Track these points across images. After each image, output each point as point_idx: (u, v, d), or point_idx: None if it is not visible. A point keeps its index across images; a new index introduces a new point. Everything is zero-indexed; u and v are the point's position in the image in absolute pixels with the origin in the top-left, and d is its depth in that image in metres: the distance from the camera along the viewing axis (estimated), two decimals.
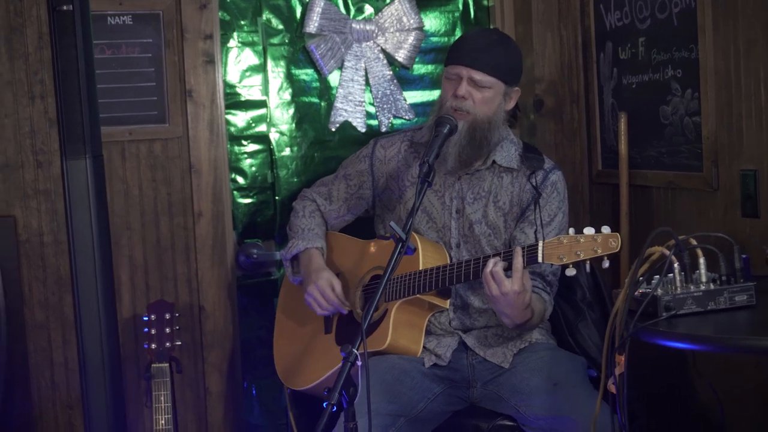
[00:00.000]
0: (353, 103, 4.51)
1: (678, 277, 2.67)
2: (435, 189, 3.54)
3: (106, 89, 4.09)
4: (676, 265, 2.67)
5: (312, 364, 3.58)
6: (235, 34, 4.41)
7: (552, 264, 3.10)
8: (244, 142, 4.45)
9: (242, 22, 4.43)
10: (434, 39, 4.64)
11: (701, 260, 2.69)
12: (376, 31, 4.52)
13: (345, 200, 3.70)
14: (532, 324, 3.30)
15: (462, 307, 3.49)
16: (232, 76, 4.41)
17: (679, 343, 2.59)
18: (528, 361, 3.39)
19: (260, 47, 4.45)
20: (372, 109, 4.55)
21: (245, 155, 4.45)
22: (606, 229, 3.07)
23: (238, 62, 4.42)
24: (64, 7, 3.13)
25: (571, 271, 3.06)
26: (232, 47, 4.39)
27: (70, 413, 4.12)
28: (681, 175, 3.97)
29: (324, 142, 4.51)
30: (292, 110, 4.50)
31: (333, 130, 4.51)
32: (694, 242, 2.72)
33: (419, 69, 4.62)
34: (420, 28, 4.55)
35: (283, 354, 3.73)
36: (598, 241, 3.05)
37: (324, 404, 2.58)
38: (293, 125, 4.50)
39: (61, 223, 4.08)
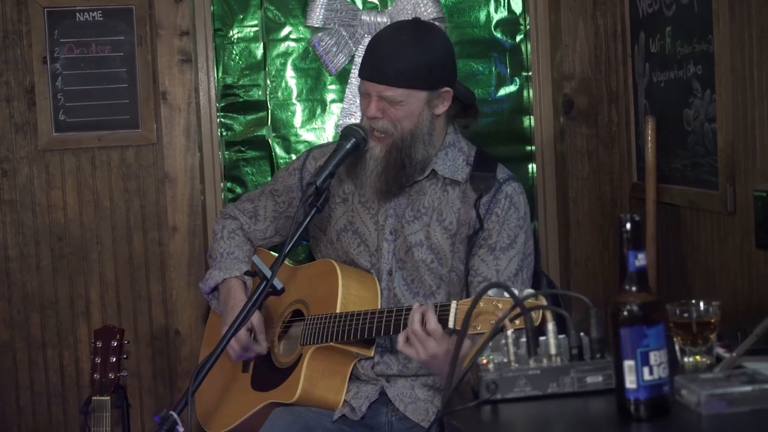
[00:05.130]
0: None
1: (512, 349, 2.04)
2: (367, 206, 3.02)
3: (74, 91, 3.80)
4: (509, 332, 2.04)
5: (227, 406, 3.15)
6: (232, 29, 3.99)
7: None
8: (242, 148, 4.04)
9: (240, 16, 4.01)
10: (462, 30, 4.07)
11: (549, 326, 2.05)
12: (389, 23, 3.97)
13: (273, 219, 3.20)
14: None
15: (390, 350, 2.95)
16: (229, 76, 4.00)
17: None
18: None
19: (260, 43, 4.01)
20: None
21: (243, 162, 4.03)
22: (527, 293, 2.46)
23: (236, 60, 4.00)
24: None
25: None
26: (228, 44, 3.98)
27: None
28: (701, 194, 3.27)
29: None
30: (295, 112, 4.04)
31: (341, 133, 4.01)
32: (542, 301, 2.08)
33: None
34: (440, 19, 3.97)
35: (203, 393, 3.30)
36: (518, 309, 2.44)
37: None
38: (296, 129, 4.04)
39: (28, 236, 3.82)
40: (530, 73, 4.06)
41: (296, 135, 4.05)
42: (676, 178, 3.43)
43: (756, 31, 2.90)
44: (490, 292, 2.48)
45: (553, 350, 2.04)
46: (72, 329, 3.86)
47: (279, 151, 4.04)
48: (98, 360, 3.49)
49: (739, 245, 3.06)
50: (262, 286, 2.59)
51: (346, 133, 2.84)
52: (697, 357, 2.16)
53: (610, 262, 3.91)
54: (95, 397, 3.45)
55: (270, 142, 4.04)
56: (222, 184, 4.00)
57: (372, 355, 2.90)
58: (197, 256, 3.85)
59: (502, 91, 4.10)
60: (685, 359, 2.17)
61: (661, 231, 3.54)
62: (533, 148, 4.09)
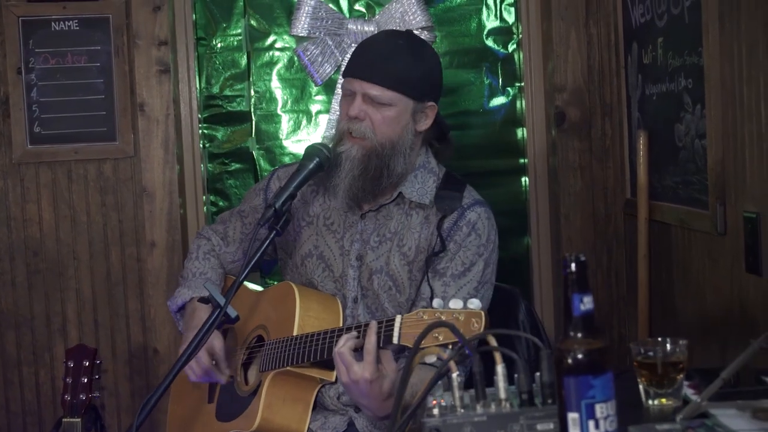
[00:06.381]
0: None
1: (457, 393, 1.89)
2: (333, 229, 2.87)
3: (49, 103, 3.71)
4: (455, 375, 1.90)
5: None
6: (215, 38, 3.87)
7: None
8: (226, 161, 3.92)
9: (223, 24, 3.89)
10: (454, 39, 3.94)
11: (499, 368, 1.90)
12: (376, 32, 3.83)
13: (240, 242, 3.06)
14: None
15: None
16: (212, 86, 3.88)
17: None
18: None
19: (244, 52, 3.89)
20: None
21: (226, 175, 3.91)
22: (473, 304, 2.33)
23: (219, 70, 3.89)
24: None
25: (430, 358, 2.32)
26: (211, 53, 3.86)
27: None
28: (692, 213, 3.12)
29: None
30: (279, 123, 3.92)
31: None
32: (492, 342, 1.93)
33: None
34: (429, 28, 3.83)
35: (172, 420, 3.18)
36: (460, 319, 2.32)
37: None
38: (281, 141, 3.91)
39: (3, 251, 3.73)
40: (523, 84, 3.91)
41: (281, 147, 3.94)
42: (667, 196, 3.28)
43: (745, 45, 2.75)
44: (435, 302, 2.36)
45: (502, 395, 1.90)
46: (48, 347, 3.76)
47: (263, 163, 3.92)
48: (69, 380, 3.39)
49: (729, 268, 2.91)
50: (215, 315, 2.46)
51: (309, 152, 2.70)
52: (663, 400, 2.02)
53: (603, 281, 3.77)
54: (66, 419, 3.35)
55: (254, 154, 3.92)
56: (204, 197, 3.88)
57: (334, 379, 2.75)
58: (176, 272, 3.72)
59: (494, 102, 3.95)
60: (650, 402, 2.02)
61: (653, 250, 3.39)
62: (527, 161, 3.95)
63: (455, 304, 2.36)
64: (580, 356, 1.66)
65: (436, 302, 2.38)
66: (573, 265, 1.68)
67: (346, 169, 2.72)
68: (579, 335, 1.68)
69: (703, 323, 3.11)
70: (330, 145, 2.76)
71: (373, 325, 2.48)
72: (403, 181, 2.79)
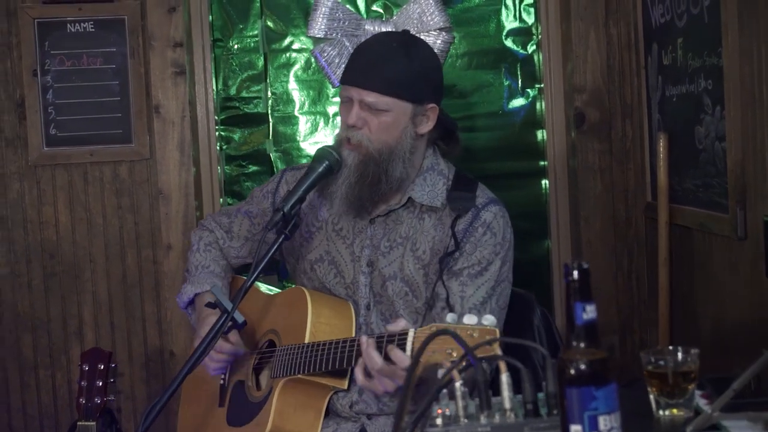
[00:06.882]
0: None
1: (461, 402, 1.85)
2: (342, 235, 2.83)
3: (65, 105, 3.69)
4: (458, 384, 1.85)
5: None
6: (231, 40, 3.85)
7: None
8: (243, 163, 3.89)
9: (240, 26, 3.86)
10: (472, 40, 3.89)
11: (504, 377, 1.86)
12: None
13: (246, 239, 3.02)
14: None
15: None
16: (228, 88, 3.86)
17: None
18: None
19: (261, 54, 3.86)
20: None
21: (243, 177, 3.89)
22: (488, 320, 2.27)
23: (235, 72, 3.86)
24: None
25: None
26: (228, 54, 3.84)
27: None
28: (712, 217, 3.06)
29: None
30: (296, 125, 3.89)
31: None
32: (497, 351, 1.90)
33: (450, 76, 3.87)
34: (447, 29, 3.77)
35: (183, 423, 3.15)
36: (474, 336, 2.26)
37: None
38: (298, 143, 3.88)
39: (20, 253, 3.71)
40: (542, 85, 3.86)
41: (298, 149, 3.91)
42: (688, 199, 3.23)
43: (765, 46, 2.69)
44: (449, 317, 2.30)
45: (507, 404, 1.85)
46: (65, 349, 3.75)
47: (281, 165, 3.89)
48: (84, 383, 3.38)
49: (749, 273, 2.86)
50: (222, 320, 2.43)
51: (319, 155, 2.67)
52: (674, 410, 1.97)
53: (624, 285, 3.71)
54: (80, 422, 3.34)
55: (271, 156, 3.90)
56: (221, 199, 3.86)
57: (346, 387, 2.71)
58: None
59: (513, 104, 3.91)
60: (660, 412, 1.98)
61: (674, 254, 3.34)
62: (546, 163, 3.89)
63: (470, 319, 2.30)
64: (582, 367, 1.62)
65: (449, 317, 2.32)
66: (575, 273, 1.63)
67: (343, 176, 2.69)
68: (582, 345, 1.64)
69: (722, 329, 3.06)
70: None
71: (372, 342, 2.43)
72: (411, 184, 2.75)
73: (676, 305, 3.36)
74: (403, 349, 2.38)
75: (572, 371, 1.62)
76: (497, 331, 2.27)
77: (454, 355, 2.27)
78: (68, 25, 3.67)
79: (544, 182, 3.92)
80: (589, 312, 1.63)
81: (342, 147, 2.68)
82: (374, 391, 2.48)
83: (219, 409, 2.98)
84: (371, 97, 2.64)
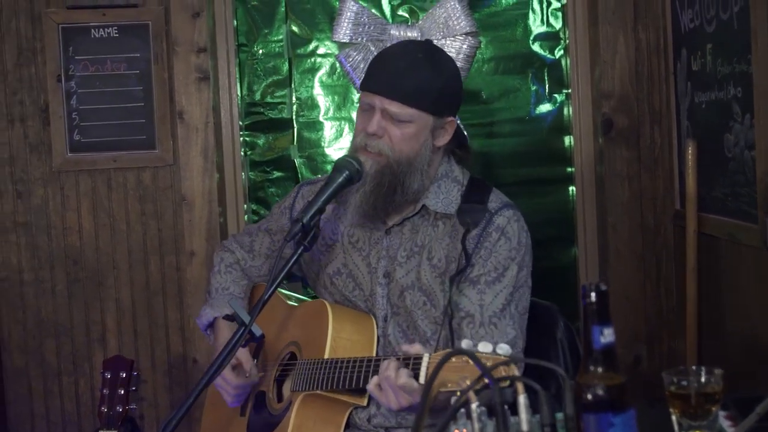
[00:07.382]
0: None
1: (476, 425, 1.81)
2: (358, 247, 2.80)
3: (89, 110, 3.67)
4: (474, 405, 1.81)
5: None
6: (256, 45, 3.83)
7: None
8: (267, 168, 3.87)
9: (265, 30, 3.83)
10: (499, 45, 3.85)
11: (521, 399, 1.82)
12: (420, 37, 3.75)
13: (267, 257, 2.99)
14: None
15: None
16: (253, 93, 3.83)
17: None
18: None
19: (286, 59, 3.83)
20: None
21: (267, 183, 3.86)
22: (502, 349, 2.20)
23: (260, 77, 3.83)
24: None
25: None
26: (252, 60, 3.81)
27: None
28: (741, 227, 3.00)
29: None
30: (321, 131, 3.86)
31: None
32: (514, 372, 1.85)
33: (476, 81, 3.83)
34: (474, 33, 3.73)
35: (205, 429, 3.13)
36: (488, 365, 2.21)
37: None
38: (323, 148, 3.85)
39: (44, 259, 3.70)
40: (570, 91, 3.81)
41: (323, 155, 3.87)
42: (716, 208, 3.17)
43: None
44: (465, 343, 2.25)
45: (524, 427, 1.81)
46: (88, 356, 3.74)
47: (305, 171, 3.86)
48: (106, 391, 3.36)
49: None
50: (240, 333, 2.40)
51: (339, 165, 2.63)
52: None
53: (652, 293, 3.66)
54: (102, 431, 3.33)
55: (296, 162, 3.87)
56: (245, 205, 3.83)
57: (366, 404, 2.68)
58: None
59: (541, 109, 3.86)
60: None
61: (702, 264, 3.28)
62: (574, 169, 3.84)
63: (485, 347, 2.25)
64: (600, 392, 1.58)
65: (464, 343, 2.27)
66: (593, 295, 1.59)
67: (358, 185, 2.65)
68: (599, 369, 1.59)
69: (750, 343, 3.00)
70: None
71: (397, 362, 2.39)
72: (426, 192, 2.71)
73: (704, 316, 3.30)
74: (418, 373, 2.35)
75: (589, 397, 1.58)
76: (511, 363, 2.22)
77: (468, 382, 2.23)
78: (92, 30, 3.66)
79: (571, 189, 3.87)
80: (607, 335, 1.59)
81: (359, 154, 2.64)
82: (387, 406, 2.45)
83: (240, 418, 2.96)
84: (395, 107, 2.60)
